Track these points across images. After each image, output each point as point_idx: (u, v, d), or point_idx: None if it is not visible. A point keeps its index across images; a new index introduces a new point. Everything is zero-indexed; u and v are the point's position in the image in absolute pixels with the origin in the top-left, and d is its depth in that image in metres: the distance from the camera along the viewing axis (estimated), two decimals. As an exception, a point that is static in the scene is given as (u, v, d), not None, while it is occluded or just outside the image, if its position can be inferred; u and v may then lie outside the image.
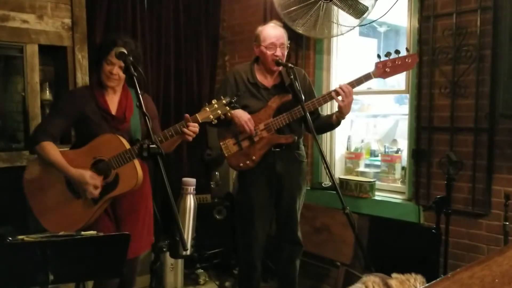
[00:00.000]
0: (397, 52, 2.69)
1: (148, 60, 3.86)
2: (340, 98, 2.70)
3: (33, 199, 2.39)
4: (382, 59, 2.70)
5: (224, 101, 2.26)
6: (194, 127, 2.29)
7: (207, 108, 2.28)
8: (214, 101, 2.28)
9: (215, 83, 4.38)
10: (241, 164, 2.90)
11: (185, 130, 2.28)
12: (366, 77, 2.72)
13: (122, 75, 2.36)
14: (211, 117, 2.27)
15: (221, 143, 2.92)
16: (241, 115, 2.80)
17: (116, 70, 2.34)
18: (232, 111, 2.67)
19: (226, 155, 2.91)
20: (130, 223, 2.42)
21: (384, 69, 2.71)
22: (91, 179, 2.27)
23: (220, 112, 2.27)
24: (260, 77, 2.93)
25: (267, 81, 2.94)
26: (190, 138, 2.32)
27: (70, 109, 2.37)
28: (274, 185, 2.96)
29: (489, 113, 2.81)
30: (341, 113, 2.76)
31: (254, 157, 2.87)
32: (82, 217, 2.32)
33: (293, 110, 2.77)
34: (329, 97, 2.76)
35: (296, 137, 2.90)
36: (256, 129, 2.84)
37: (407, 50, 2.76)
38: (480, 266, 0.99)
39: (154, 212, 2.57)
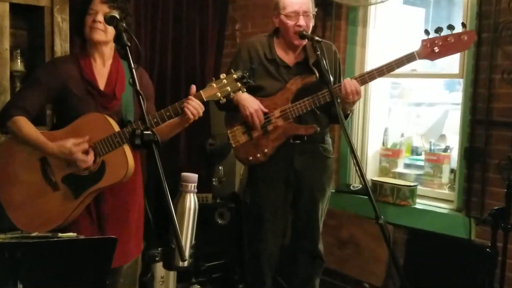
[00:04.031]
0: (451, 27, 2.68)
1: (142, 23, 3.87)
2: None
3: (1, 189, 2.43)
4: (430, 36, 2.69)
5: (235, 76, 2.26)
6: (198, 105, 2.28)
7: (214, 84, 2.27)
8: (222, 76, 2.28)
9: (222, 56, 4.40)
10: (251, 158, 2.94)
11: (186, 105, 2.27)
12: (409, 58, 2.73)
13: (110, 29, 2.30)
14: (219, 95, 2.27)
15: (228, 131, 2.95)
16: (249, 103, 2.83)
17: (99, 17, 2.33)
18: (239, 95, 2.69)
19: (233, 145, 2.95)
20: (116, 224, 2.45)
21: (432, 48, 2.70)
22: (75, 146, 2.28)
23: (230, 89, 2.26)
24: (280, 53, 2.95)
25: (288, 57, 2.95)
26: (191, 117, 2.30)
27: (50, 80, 2.40)
28: (291, 184, 2.99)
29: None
30: (344, 108, 2.83)
31: (266, 150, 2.90)
32: (60, 213, 2.36)
33: (317, 94, 2.79)
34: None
35: (319, 128, 2.92)
36: (270, 116, 2.87)
37: (464, 25, 2.75)
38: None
39: (146, 212, 2.61)
